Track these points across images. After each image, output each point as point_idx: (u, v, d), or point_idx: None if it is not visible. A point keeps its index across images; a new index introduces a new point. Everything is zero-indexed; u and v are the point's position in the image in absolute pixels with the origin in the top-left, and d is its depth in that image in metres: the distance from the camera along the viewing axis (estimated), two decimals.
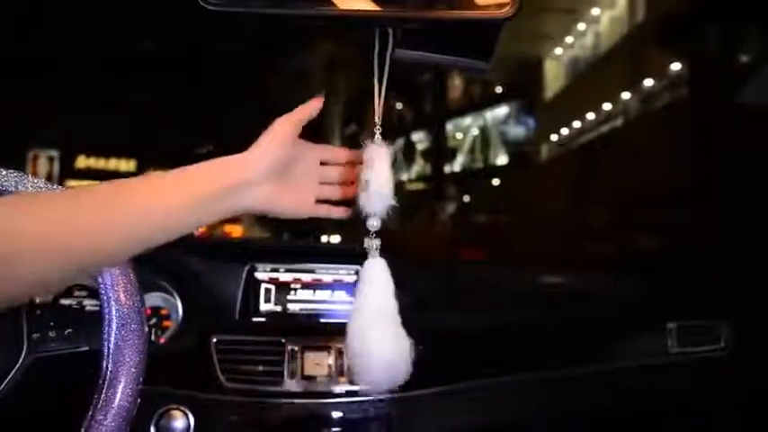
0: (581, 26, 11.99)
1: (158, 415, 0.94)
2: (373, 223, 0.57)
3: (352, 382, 1.01)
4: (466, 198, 15.27)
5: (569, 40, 12.61)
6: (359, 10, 0.54)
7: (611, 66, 10.34)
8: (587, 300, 1.30)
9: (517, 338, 1.16)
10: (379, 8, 0.54)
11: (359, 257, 1.12)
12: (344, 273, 1.16)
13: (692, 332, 1.24)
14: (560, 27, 12.24)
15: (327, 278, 1.16)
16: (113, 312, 0.63)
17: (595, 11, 11.39)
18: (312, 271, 1.16)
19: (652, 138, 6.78)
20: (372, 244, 0.57)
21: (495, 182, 15.13)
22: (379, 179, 0.56)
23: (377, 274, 0.56)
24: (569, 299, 1.30)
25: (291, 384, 1.00)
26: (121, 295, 0.63)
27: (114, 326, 0.63)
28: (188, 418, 0.95)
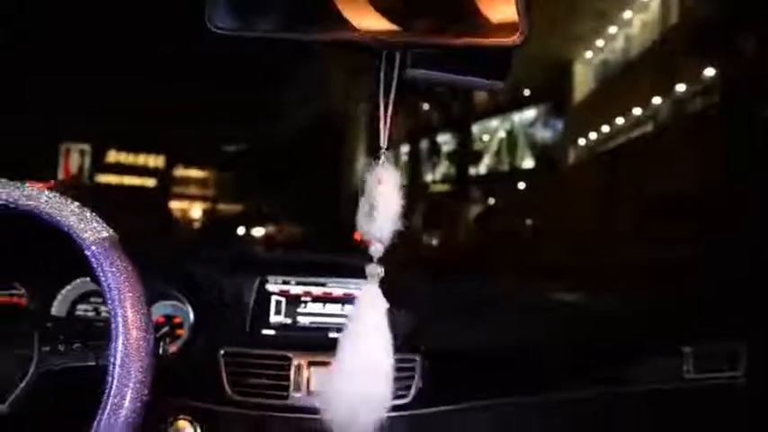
0: (612, 29, 11.77)
1: (166, 424, 0.96)
2: (377, 249, 0.54)
3: None
4: (491, 201, 15.12)
5: (600, 43, 12.39)
6: (366, 32, 0.54)
7: (641, 70, 10.14)
8: (599, 320, 1.27)
9: (526, 358, 1.14)
10: (388, 29, 0.53)
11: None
12: (355, 287, 1.16)
13: (709, 357, 1.20)
14: (591, 30, 12.04)
15: (338, 292, 1.16)
16: (120, 328, 0.64)
17: (627, 14, 11.17)
18: (323, 284, 1.16)
19: (682, 145, 6.63)
20: (375, 272, 0.54)
21: (521, 185, 14.95)
22: (387, 204, 0.53)
23: (371, 304, 0.55)
24: (581, 318, 1.27)
25: (297, 399, 1.01)
26: (129, 311, 0.64)
27: (120, 342, 0.63)
28: (194, 429, 0.97)
